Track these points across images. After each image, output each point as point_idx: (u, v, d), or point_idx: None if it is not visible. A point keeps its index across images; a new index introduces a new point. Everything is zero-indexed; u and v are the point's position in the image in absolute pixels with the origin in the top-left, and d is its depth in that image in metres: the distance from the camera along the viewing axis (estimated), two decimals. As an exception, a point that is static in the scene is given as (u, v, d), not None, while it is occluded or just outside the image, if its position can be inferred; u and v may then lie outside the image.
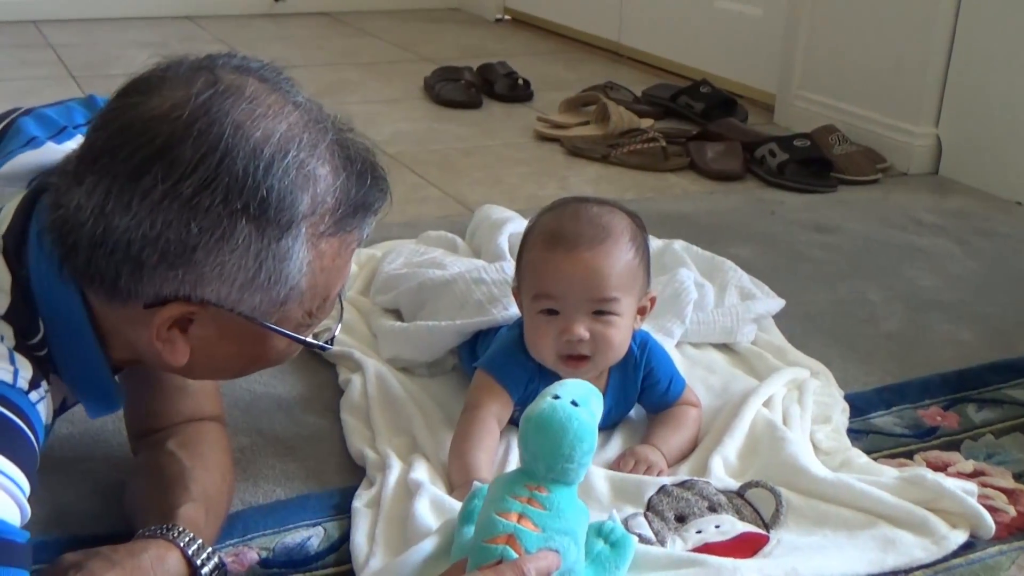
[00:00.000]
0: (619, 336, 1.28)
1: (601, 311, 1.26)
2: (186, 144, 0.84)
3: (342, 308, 1.04)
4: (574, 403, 0.99)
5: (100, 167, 0.85)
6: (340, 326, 1.06)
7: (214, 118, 0.85)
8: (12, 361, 0.87)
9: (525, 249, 1.32)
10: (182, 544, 0.99)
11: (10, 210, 0.92)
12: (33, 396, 0.89)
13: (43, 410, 0.91)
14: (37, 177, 0.95)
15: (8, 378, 0.86)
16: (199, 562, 1.00)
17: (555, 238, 1.27)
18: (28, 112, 1.04)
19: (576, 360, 1.27)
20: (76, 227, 0.85)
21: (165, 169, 0.83)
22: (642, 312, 1.33)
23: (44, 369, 0.91)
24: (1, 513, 0.81)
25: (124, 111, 0.87)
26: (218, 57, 0.91)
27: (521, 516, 0.96)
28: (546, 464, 0.98)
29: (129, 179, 0.84)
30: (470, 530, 1.03)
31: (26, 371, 0.88)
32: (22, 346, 0.89)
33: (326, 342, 1.01)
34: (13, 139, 0.99)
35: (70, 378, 0.95)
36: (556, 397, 1.00)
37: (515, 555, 0.94)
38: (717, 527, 1.16)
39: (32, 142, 0.98)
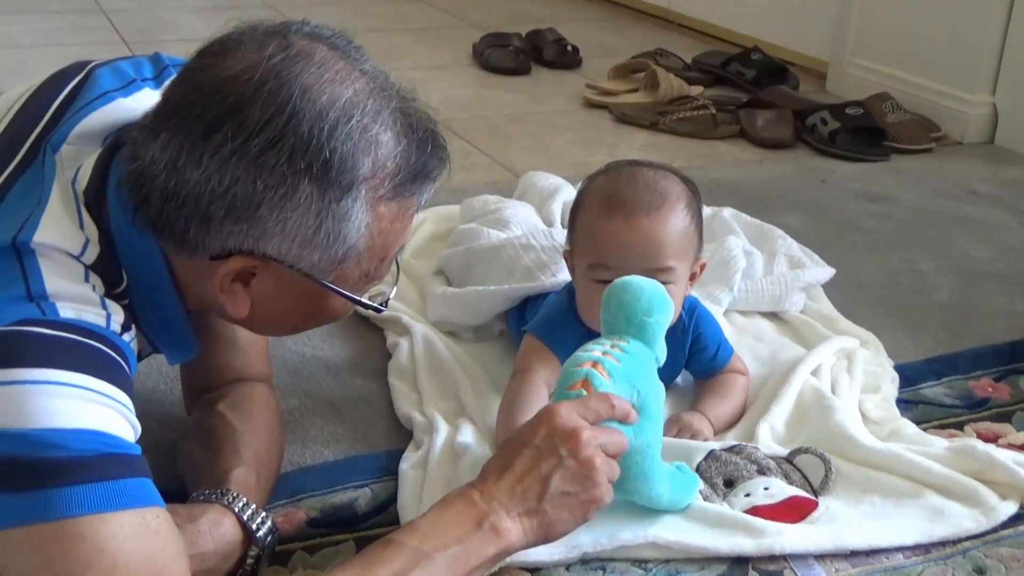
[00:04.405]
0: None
1: (656, 279, 1.25)
2: (255, 105, 0.87)
3: (398, 271, 1.08)
4: None
5: (174, 123, 0.89)
6: (396, 289, 1.08)
7: (283, 80, 0.88)
8: (104, 306, 0.91)
9: (580, 212, 1.31)
10: (236, 509, 1.01)
11: (88, 168, 0.95)
12: (125, 337, 0.92)
13: (133, 352, 0.94)
14: (112, 135, 0.98)
15: (101, 322, 0.90)
16: (254, 527, 1.02)
17: (612, 203, 1.26)
18: (103, 64, 1.07)
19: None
20: (150, 179, 0.89)
21: (235, 128, 0.87)
22: (692, 278, 1.32)
23: (129, 317, 0.95)
24: (117, 430, 0.85)
25: (199, 71, 0.91)
26: (292, 24, 0.94)
27: (604, 353, 1.05)
28: (626, 316, 1.09)
29: (201, 136, 0.87)
30: None
31: (118, 315, 0.92)
32: (110, 295, 0.93)
33: (381, 304, 1.03)
34: (90, 90, 1.02)
35: (149, 326, 0.99)
36: None
37: (600, 376, 1.02)
38: (766, 489, 1.16)
39: (102, 97, 1.01)
